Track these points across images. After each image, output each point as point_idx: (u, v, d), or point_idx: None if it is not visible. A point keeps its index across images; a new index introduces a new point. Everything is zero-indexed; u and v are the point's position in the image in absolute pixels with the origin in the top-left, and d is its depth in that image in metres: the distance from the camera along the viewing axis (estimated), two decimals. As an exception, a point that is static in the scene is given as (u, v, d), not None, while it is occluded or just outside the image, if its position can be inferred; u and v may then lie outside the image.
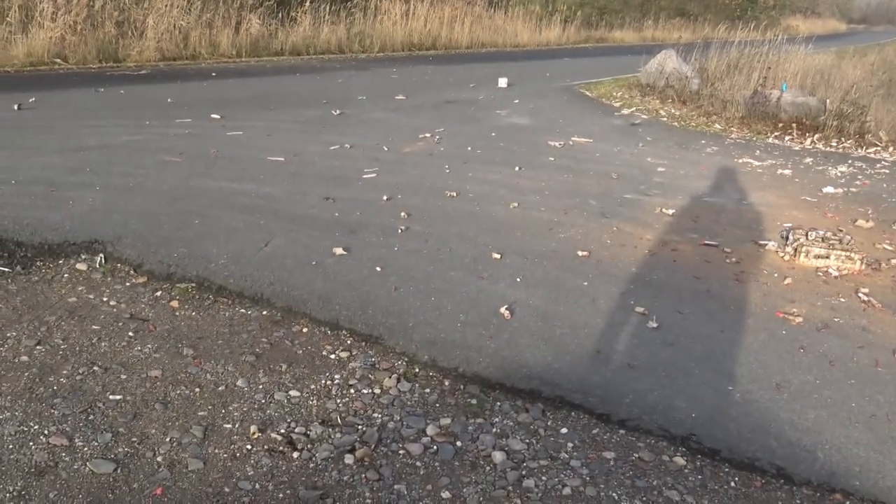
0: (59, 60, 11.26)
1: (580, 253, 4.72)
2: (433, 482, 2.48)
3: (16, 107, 7.83)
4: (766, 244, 5.13)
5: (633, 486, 2.55)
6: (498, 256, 4.54)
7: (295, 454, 2.55)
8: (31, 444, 2.48)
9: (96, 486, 2.32)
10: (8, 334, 3.18)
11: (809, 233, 5.12)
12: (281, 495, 2.35)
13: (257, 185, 5.67)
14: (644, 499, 2.49)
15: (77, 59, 11.48)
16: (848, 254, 4.77)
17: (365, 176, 6.18)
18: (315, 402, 2.88)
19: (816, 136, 9.56)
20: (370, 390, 2.99)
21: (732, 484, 2.61)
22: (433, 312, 3.74)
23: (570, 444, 2.75)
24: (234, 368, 3.07)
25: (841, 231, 5.30)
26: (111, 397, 2.78)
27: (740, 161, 7.99)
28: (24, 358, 3.00)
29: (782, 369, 3.41)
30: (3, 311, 3.40)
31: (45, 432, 2.54)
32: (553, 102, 11.61)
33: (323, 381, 3.03)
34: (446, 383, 3.11)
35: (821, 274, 4.67)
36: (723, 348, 3.60)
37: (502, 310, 3.79)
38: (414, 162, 6.85)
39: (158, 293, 3.74)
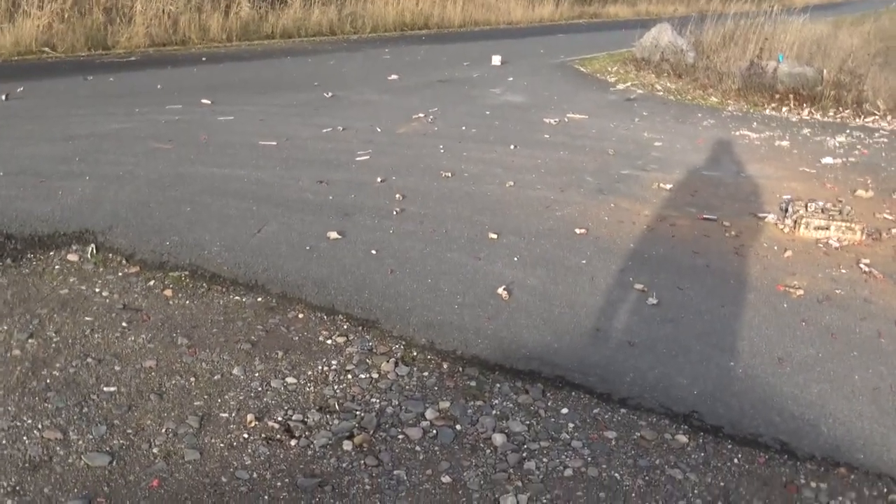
0: (46, 49, 11.11)
1: (578, 231, 4.67)
2: (433, 467, 2.45)
3: (3, 97, 7.72)
4: (766, 217, 5.08)
5: (635, 465, 2.52)
6: (494, 236, 4.49)
7: (293, 442, 2.52)
8: (24, 438, 2.45)
9: (91, 479, 2.29)
10: (-1, 328, 3.14)
11: (809, 204, 5.08)
12: (279, 483, 2.33)
13: (249, 170, 5.60)
14: (647, 478, 2.46)
15: (65, 48, 11.32)
16: (848, 224, 4.73)
17: (358, 158, 6.11)
18: (312, 388, 2.85)
19: (814, 106, 9.49)
20: (368, 375, 2.96)
21: (735, 460, 2.59)
22: (430, 295, 3.70)
23: (570, 425, 2.72)
24: (230, 357, 3.03)
25: (840, 202, 5.26)
26: (105, 389, 2.75)
27: (737, 133, 7.92)
28: (17, 352, 2.96)
29: (784, 343, 3.38)
30: (-6, 304, 3.36)
31: (39, 426, 2.51)
32: (547, 79, 11.49)
33: (320, 367, 2.99)
34: (445, 366, 3.08)
35: (821, 245, 4.63)
36: (723, 323, 3.56)
37: (500, 290, 3.75)
38: (408, 143, 6.78)
39: (151, 282, 3.69)
